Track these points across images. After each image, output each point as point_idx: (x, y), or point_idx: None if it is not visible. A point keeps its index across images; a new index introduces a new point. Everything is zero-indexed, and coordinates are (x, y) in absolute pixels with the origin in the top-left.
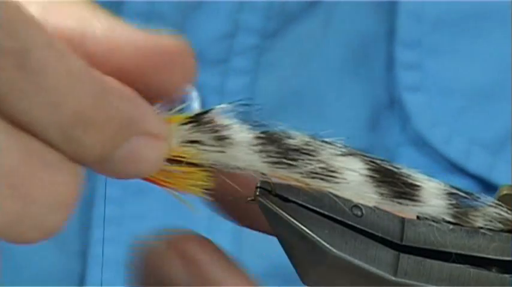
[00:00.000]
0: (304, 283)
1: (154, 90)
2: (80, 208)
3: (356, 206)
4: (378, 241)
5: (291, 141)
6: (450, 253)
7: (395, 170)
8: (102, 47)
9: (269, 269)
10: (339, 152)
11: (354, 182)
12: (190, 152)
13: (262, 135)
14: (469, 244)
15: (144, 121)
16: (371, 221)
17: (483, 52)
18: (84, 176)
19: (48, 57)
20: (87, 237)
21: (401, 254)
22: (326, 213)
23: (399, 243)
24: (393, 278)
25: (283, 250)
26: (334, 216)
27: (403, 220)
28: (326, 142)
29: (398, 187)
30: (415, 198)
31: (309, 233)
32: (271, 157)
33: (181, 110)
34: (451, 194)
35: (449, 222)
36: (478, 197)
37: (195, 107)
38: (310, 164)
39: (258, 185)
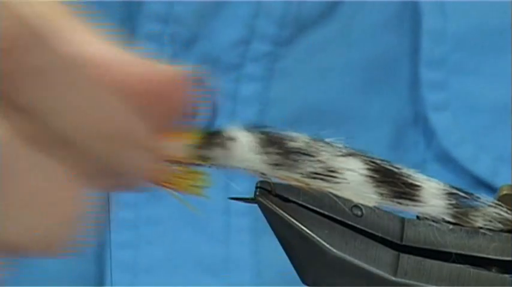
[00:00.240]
0: (304, 283)
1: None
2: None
3: (356, 206)
4: (378, 241)
5: (291, 142)
6: (450, 253)
7: (395, 170)
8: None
9: (286, 272)
10: (339, 153)
11: (354, 182)
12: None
13: (263, 136)
14: (469, 244)
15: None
16: (371, 221)
17: (507, 69)
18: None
19: None
20: (101, 241)
21: (401, 254)
22: (326, 213)
23: (399, 243)
24: (393, 278)
25: (283, 250)
26: (334, 216)
27: (403, 220)
28: (326, 143)
29: (398, 187)
30: (415, 198)
31: (309, 234)
32: (271, 158)
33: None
34: (451, 194)
35: (449, 222)
36: (478, 198)
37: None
38: (311, 165)
39: (258, 185)
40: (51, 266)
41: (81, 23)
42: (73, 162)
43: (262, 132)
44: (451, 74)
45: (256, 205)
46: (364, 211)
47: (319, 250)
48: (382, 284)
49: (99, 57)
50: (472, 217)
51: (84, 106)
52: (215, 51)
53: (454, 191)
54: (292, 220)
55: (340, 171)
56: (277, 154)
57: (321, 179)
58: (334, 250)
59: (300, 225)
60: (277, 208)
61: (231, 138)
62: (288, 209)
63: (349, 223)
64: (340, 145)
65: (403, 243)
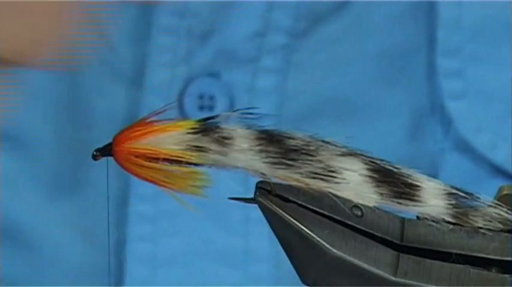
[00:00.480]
0: (304, 283)
1: None
2: (113, 205)
3: (356, 206)
4: (377, 241)
5: (291, 141)
6: (450, 253)
7: (395, 170)
8: None
9: None
10: (339, 152)
11: (353, 183)
12: (192, 155)
13: (262, 135)
14: (469, 244)
15: None
16: (371, 221)
17: None
18: None
19: None
20: (121, 234)
21: (401, 254)
22: (326, 213)
23: (399, 243)
24: (393, 278)
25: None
26: (334, 216)
27: (403, 220)
28: (326, 142)
29: (398, 187)
30: (415, 198)
31: (309, 234)
32: (271, 157)
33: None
34: (450, 194)
35: (449, 222)
36: (478, 198)
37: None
38: (310, 164)
39: (258, 185)
40: (72, 260)
41: None
42: None
43: (261, 131)
44: (468, 63)
45: None
46: (364, 211)
47: (319, 250)
48: (382, 284)
49: None
50: (472, 217)
51: None
52: (231, 44)
53: (454, 191)
54: (292, 219)
55: (339, 171)
56: (277, 152)
57: (321, 179)
58: (334, 250)
59: (300, 225)
60: (277, 208)
61: (229, 137)
62: (288, 209)
63: (349, 223)
64: (340, 144)
65: (403, 243)
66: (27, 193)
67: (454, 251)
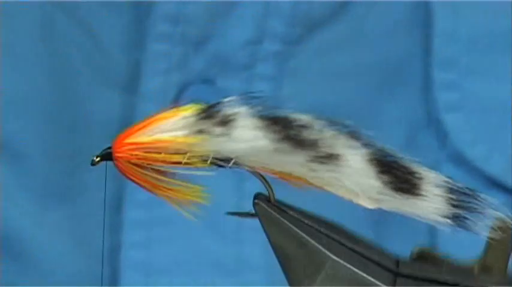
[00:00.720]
0: None
1: None
2: (106, 212)
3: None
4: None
5: (296, 120)
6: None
7: (398, 157)
8: None
9: None
10: (343, 136)
11: (356, 168)
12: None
13: (266, 114)
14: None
15: None
16: (368, 248)
17: None
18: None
19: None
20: (114, 241)
21: (399, 278)
22: (322, 230)
23: (395, 270)
24: None
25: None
26: (332, 235)
27: (397, 261)
28: (332, 122)
29: (401, 172)
30: (416, 189)
31: (308, 240)
32: (276, 132)
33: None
34: (452, 189)
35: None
36: (478, 196)
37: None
38: (315, 143)
39: (256, 194)
40: (66, 267)
41: None
42: None
43: (265, 112)
44: (463, 74)
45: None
46: (361, 240)
47: (318, 257)
48: None
49: None
50: (471, 218)
51: None
52: (226, 51)
53: (455, 185)
54: (291, 226)
55: (343, 156)
56: (281, 128)
57: (324, 163)
58: (334, 257)
59: (299, 231)
60: (277, 214)
61: (231, 115)
62: (286, 217)
63: (347, 244)
64: (345, 128)
65: (399, 271)
66: (21, 201)
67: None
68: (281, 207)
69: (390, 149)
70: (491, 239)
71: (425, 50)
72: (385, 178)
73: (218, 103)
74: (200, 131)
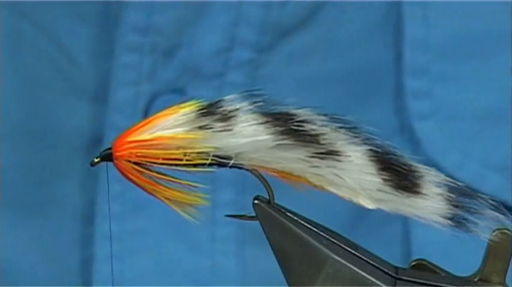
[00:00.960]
0: None
1: None
2: (78, 223)
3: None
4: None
5: (297, 115)
6: None
7: (398, 154)
8: None
9: (272, 281)
10: (345, 133)
11: (357, 164)
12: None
13: (268, 112)
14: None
15: None
16: (368, 254)
17: (490, 76)
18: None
19: None
20: (86, 254)
21: (399, 281)
22: (322, 233)
23: (395, 276)
24: None
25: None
26: (331, 239)
27: (396, 268)
28: (334, 118)
29: (401, 169)
30: (416, 188)
31: (309, 240)
32: (277, 126)
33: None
34: (452, 187)
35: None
36: (478, 196)
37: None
38: (316, 138)
39: (256, 196)
40: (37, 281)
41: None
42: None
43: (266, 110)
44: (435, 82)
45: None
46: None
47: (319, 257)
48: None
49: None
50: (470, 218)
51: None
52: (196, 60)
53: (455, 184)
54: (292, 226)
55: (343, 152)
56: (282, 123)
57: (324, 159)
58: (334, 256)
59: (299, 231)
60: (277, 214)
61: (233, 111)
62: (286, 218)
63: (347, 249)
64: (346, 124)
65: (399, 276)
66: None
67: None
68: (281, 209)
69: (391, 147)
70: (492, 241)
71: (397, 58)
72: (386, 175)
73: (219, 100)
74: (201, 127)
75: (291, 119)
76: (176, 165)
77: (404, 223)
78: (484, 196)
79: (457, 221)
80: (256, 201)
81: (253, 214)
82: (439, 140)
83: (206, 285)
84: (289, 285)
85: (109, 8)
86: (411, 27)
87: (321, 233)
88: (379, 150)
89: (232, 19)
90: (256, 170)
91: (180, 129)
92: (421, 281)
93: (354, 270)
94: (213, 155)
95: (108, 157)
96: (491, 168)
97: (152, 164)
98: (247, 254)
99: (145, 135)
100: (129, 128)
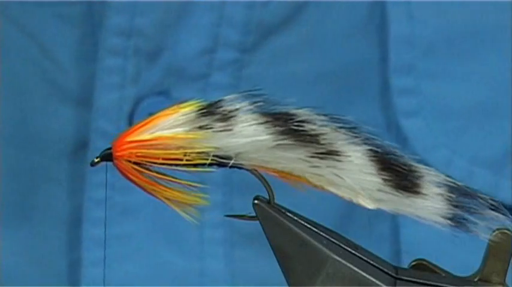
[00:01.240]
0: None
1: None
2: (64, 228)
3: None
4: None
5: (296, 115)
6: None
7: (398, 155)
8: None
9: (261, 283)
10: (345, 133)
11: (357, 165)
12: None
13: (268, 112)
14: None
15: None
16: (368, 254)
17: (477, 72)
18: None
19: None
20: (74, 258)
21: (399, 281)
22: (322, 233)
23: (395, 276)
24: None
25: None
26: (331, 239)
27: (396, 268)
28: (334, 118)
29: (401, 169)
30: (416, 188)
31: (309, 240)
32: (277, 126)
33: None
34: (452, 187)
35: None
36: (478, 196)
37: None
38: (316, 138)
39: (256, 196)
40: (25, 284)
41: None
42: None
43: (266, 110)
44: (421, 79)
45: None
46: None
47: (319, 256)
48: None
49: None
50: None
51: None
52: (180, 62)
53: (455, 183)
54: (292, 226)
55: (343, 152)
56: (281, 128)
57: (324, 159)
58: (334, 255)
59: (300, 231)
60: (277, 215)
61: (233, 111)
62: (286, 218)
63: (347, 249)
64: (346, 124)
65: (399, 276)
66: None
67: None
68: (281, 209)
69: (391, 147)
70: (492, 241)
71: (383, 56)
72: (386, 175)
73: (219, 100)
74: (201, 127)
75: (291, 119)
76: (176, 165)
77: (393, 220)
78: (484, 196)
79: (457, 221)
80: (256, 201)
81: (253, 214)
82: (427, 137)
83: None
84: (289, 285)
85: (92, 11)
86: (396, 25)
87: (321, 233)
88: (379, 150)
89: (215, 20)
90: (256, 170)
91: (180, 129)
92: (421, 281)
93: (354, 270)
94: (213, 155)
95: (108, 156)
96: (479, 164)
97: (152, 164)
98: (236, 257)
99: (145, 135)
100: (129, 128)
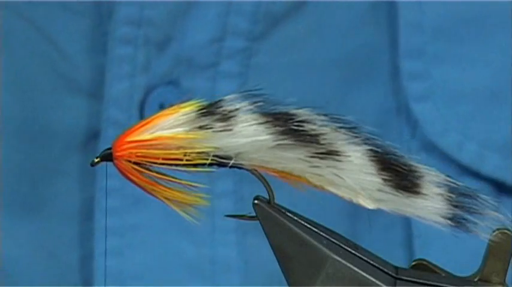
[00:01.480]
0: None
1: None
2: (76, 219)
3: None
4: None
5: (297, 115)
6: None
7: (398, 155)
8: None
9: (274, 271)
10: (345, 133)
11: (357, 165)
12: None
13: (268, 112)
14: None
15: None
16: (368, 254)
17: (487, 55)
18: None
19: None
20: (86, 249)
21: (399, 281)
22: (322, 233)
23: (395, 276)
24: None
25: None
26: (331, 239)
27: (396, 268)
28: (334, 118)
29: (401, 169)
30: (416, 188)
31: (309, 240)
32: (277, 126)
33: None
34: (452, 187)
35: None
36: (478, 196)
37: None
38: (316, 138)
39: (256, 196)
40: (37, 278)
41: None
42: None
43: (266, 109)
44: (431, 63)
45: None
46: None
47: (319, 257)
48: None
49: None
50: (470, 218)
51: None
52: (189, 51)
53: (455, 184)
54: (292, 226)
55: (343, 152)
56: (281, 128)
57: (324, 158)
58: (334, 255)
59: (300, 231)
60: (277, 215)
61: (233, 111)
62: (286, 218)
63: (347, 248)
64: (347, 125)
65: (399, 276)
66: None
67: None
68: (281, 209)
69: (391, 147)
70: (492, 241)
71: (392, 41)
72: (386, 175)
73: (219, 100)
74: (201, 127)
75: (291, 119)
76: (176, 165)
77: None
78: (484, 196)
79: (457, 221)
80: (256, 201)
81: (253, 214)
82: (438, 121)
83: (208, 276)
84: (289, 285)
85: (100, 2)
86: (405, 10)
87: (321, 233)
88: (379, 150)
89: (223, 8)
90: (256, 170)
91: (180, 129)
92: (421, 281)
93: (354, 270)
94: (213, 155)
95: (108, 156)
96: (490, 148)
97: (152, 164)
98: (248, 244)
99: (145, 135)
100: (129, 128)
